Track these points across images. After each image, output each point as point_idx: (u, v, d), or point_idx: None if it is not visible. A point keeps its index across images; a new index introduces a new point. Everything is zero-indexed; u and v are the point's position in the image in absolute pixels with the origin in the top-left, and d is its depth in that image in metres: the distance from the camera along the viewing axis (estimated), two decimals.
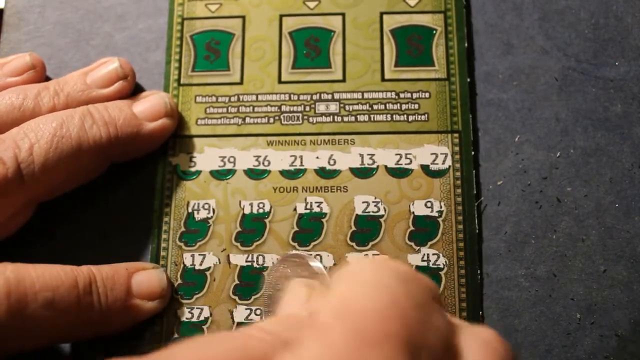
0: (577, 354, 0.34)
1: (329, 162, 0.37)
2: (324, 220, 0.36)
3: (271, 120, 0.38)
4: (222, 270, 0.35)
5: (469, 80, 0.38)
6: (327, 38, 0.39)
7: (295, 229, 0.36)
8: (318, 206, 0.36)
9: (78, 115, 0.34)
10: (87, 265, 0.33)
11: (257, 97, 0.38)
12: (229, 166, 0.37)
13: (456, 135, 0.37)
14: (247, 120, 0.38)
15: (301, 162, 0.37)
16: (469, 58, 0.38)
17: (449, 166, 0.36)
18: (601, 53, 0.38)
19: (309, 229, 0.36)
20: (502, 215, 0.36)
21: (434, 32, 0.39)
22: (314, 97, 0.38)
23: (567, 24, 0.39)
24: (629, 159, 0.36)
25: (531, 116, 0.37)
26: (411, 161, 0.36)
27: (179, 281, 0.35)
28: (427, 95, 0.37)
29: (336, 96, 0.38)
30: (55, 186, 0.35)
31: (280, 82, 0.38)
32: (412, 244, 0.35)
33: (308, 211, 0.36)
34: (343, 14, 0.39)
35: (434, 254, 0.35)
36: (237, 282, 0.35)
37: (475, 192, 0.36)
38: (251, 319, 0.34)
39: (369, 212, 0.36)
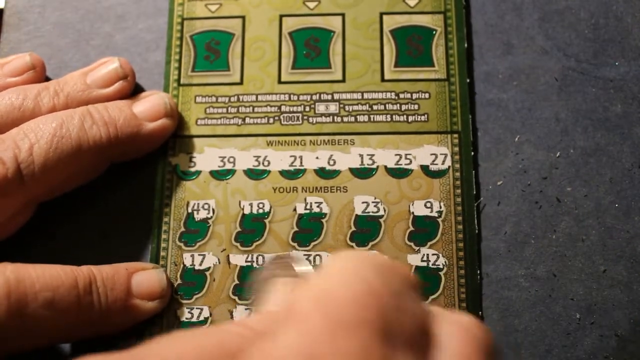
0: (577, 354, 0.34)
1: (328, 163, 0.37)
2: (323, 220, 0.36)
3: (271, 120, 0.38)
4: (222, 271, 0.35)
5: (468, 80, 0.38)
6: (327, 38, 0.39)
7: (295, 229, 0.36)
8: (318, 206, 0.36)
9: (78, 116, 0.34)
10: (87, 265, 0.33)
11: (257, 97, 0.38)
12: (228, 166, 0.37)
13: (456, 135, 0.37)
14: (247, 120, 0.38)
15: (301, 163, 0.37)
16: (468, 58, 0.38)
17: (449, 166, 0.36)
18: (601, 53, 0.38)
19: (308, 229, 0.36)
20: (502, 215, 0.36)
21: (434, 32, 0.39)
22: (314, 97, 0.38)
23: (567, 24, 0.39)
24: (629, 159, 0.36)
25: (531, 116, 0.37)
26: (411, 161, 0.36)
27: (179, 281, 0.35)
28: (426, 95, 0.37)
29: (336, 96, 0.38)
30: (55, 186, 0.35)
31: (280, 82, 0.38)
32: (412, 244, 0.35)
33: (308, 211, 0.36)
34: (343, 14, 0.39)
35: (433, 254, 0.35)
36: (236, 282, 0.35)
37: (474, 192, 0.36)
38: None
39: (368, 212, 0.36)
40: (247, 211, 0.36)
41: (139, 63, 0.39)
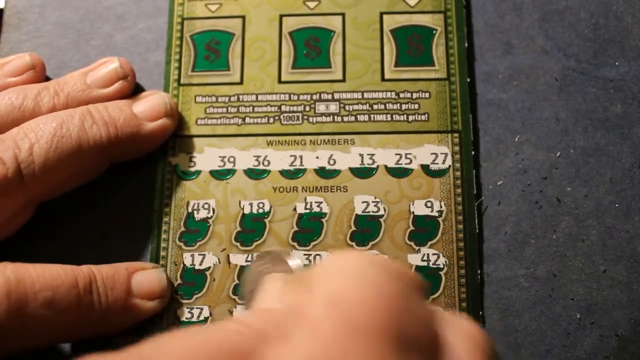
0: (577, 354, 0.34)
1: (328, 162, 0.37)
2: (323, 220, 0.36)
3: (271, 120, 0.38)
4: (222, 270, 0.35)
5: (469, 80, 0.38)
6: (327, 38, 0.39)
7: (295, 228, 0.36)
8: (318, 206, 0.36)
9: (78, 115, 0.34)
10: (87, 265, 0.33)
11: (257, 97, 0.38)
12: (228, 166, 0.37)
13: (456, 135, 0.37)
14: (247, 120, 0.38)
15: (301, 162, 0.37)
16: (469, 58, 0.38)
17: (449, 166, 0.36)
18: (601, 53, 0.38)
19: (308, 228, 0.36)
20: (502, 215, 0.36)
21: (434, 32, 0.39)
22: (314, 97, 0.38)
23: (567, 24, 0.39)
24: (629, 159, 0.36)
25: (531, 116, 0.37)
26: (411, 161, 0.36)
27: (179, 281, 0.35)
28: (427, 95, 0.37)
29: (336, 96, 0.38)
30: (55, 186, 0.35)
31: (280, 82, 0.38)
32: (412, 243, 0.35)
33: (308, 211, 0.36)
34: (343, 14, 0.39)
35: (434, 254, 0.35)
36: (237, 282, 0.35)
37: (475, 192, 0.36)
38: None
39: (368, 212, 0.36)
40: (247, 211, 0.36)
41: (139, 63, 0.39)
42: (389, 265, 0.23)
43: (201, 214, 0.36)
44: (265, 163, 0.37)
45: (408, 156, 0.36)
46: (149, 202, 0.37)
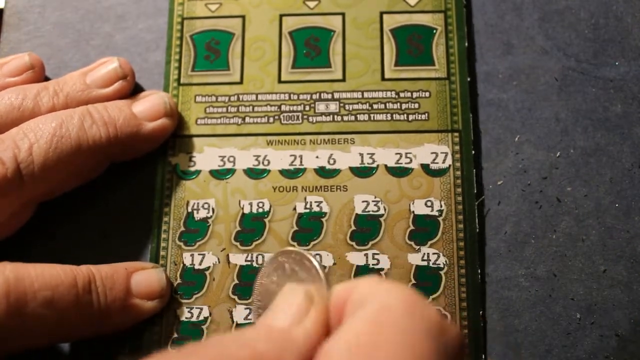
0: (577, 354, 0.34)
1: (328, 162, 0.37)
2: (323, 219, 0.36)
3: (271, 119, 0.38)
4: (222, 270, 0.35)
5: (469, 79, 0.38)
6: (327, 38, 0.39)
7: (295, 228, 0.36)
8: (318, 205, 0.36)
9: (77, 115, 0.34)
10: (86, 265, 0.33)
11: (257, 97, 0.38)
12: (228, 166, 0.37)
13: (456, 134, 0.37)
14: (247, 119, 0.38)
15: (301, 162, 0.37)
16: (469, 58, 0.38)
17: (449, 165, 0.36)
18: (601, 53, 0.38)
19: (308, 228, 0.36)
20: (502, 215, 0.36)
21: (434, 31, 0.39)
22: (314, 96, 0.38)
23: (567, 24, 0.39)
24: (629, 159, 0.36)
25: (531, 116, 0.37)
26: (411, 160, 0.36)
27: (179, 281, 0.35)
28: (427, 94, 0.37)
29: (336, 96, 0.38)
30: (55, 186, 0.35)
31: (280, 81, 0.38)
32: (412, 243, 0.35)
33: (308, 210, 0.36)
34: (343, 14, 0.39)
35: (434, 254, 0.35)
36: (236, 281, 0.35)
37: (475, 191, 0.36)
38: (250, 319, 0.34)
39: (368, 211, 0.36)
40: (247, 210, 0.36)
41: (139, 63, 0.39)
42: (430, 317, 0.22)
43: (201, 214, 0.36)
44: (265, 163, 0.37)
45: (408, 155, 0.36)
46: (148, 202, 0.37)
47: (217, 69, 0.39)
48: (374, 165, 0.36)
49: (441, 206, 0.36)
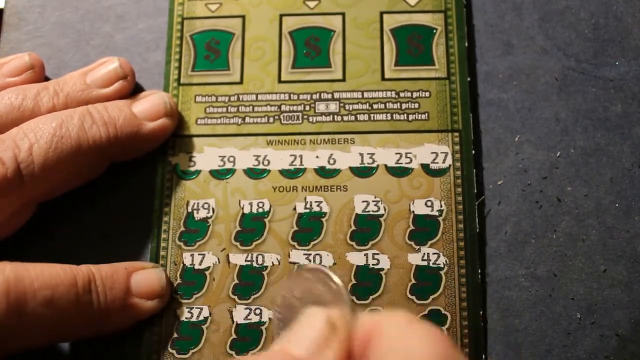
0: (577, 354, 0.34)
1: (328, 162, 0.37)
2: (323, 219, 0.36)
3: (271, 119, 0.38)
4: (222, 270, 0.35)
5: (469, 79, 0.38)
6: (327, 38, 0.39)
7: (295, 228, 0.36)
8: (318, 205, 0.36)
9: (77, 115, 0.34)
10: (86, 264, 0.33)
11: (257, 97, 0.38)
12: (228, 166, 0.37)
13: (456, 134, 0.37)
14: (247, 119, 0.38)
15: (301, 162, 0.37)
16: (469, 57, 0.38)
17: (449, 165, 0.36)
18: (601, 53, 0.38)
19: (308, 228, 0.36)
20: (503, 215, 0.36)
21: (434, 31, 0.39)
22: (314, 96, 0.38)
23: (567, 24, 0.39)
24: (629, 159, 0.36)
25: (531, 116, 0.37)
26: (411, 160, 0.36)
27: (179, 281, 0.35)
28: (427, 94, 0.37)
29: (336, 95, 0.38)
30: (55, 186, 0.35)
31: (280, 81, 0.38)
32: (412, 243, 0.35)
33: (308, 210, 0.36)
34: (343, 14, 0.39)
35: (434, 254, 0.35)
36: (236, 281, 0.35)
37: (476, 191, 0.36)
38: (250, 319, 0.34)
39: (368, 211, 0.36)
40: (246, 210, 0.36)
41: (139, 63, 0.39)
42: None
43: (201, 214, 0.36)
44: (265, 162, 0.37)
45: (408, 155, 0.36)
46: (148, 202, 0.37)
47: (217, 69, 0.39)
48: (374, 165, 0.36)
49: (441, 206, 0.36)
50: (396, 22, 0.39)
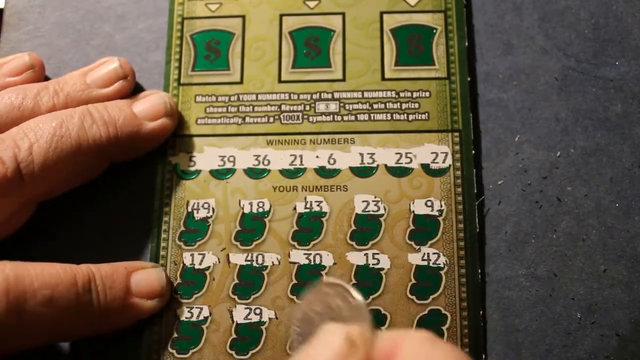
0: (577, 354, 0.34)
1: (328, 162, 0.37)
2: (323, 219, 0.36)
3: (271, 119, 0.38)
4: (222, 270, 0.35)
5: (469, 79, 0.38)
6: (327, 37, 0.39)
7: (295, 228, 0.36)
8: (318, 205, 0.36)
9: (78, 115, 0.34)
10: (86, 263, 0.33)
11: (257, 97, 0.38)
12: (228, 165, 0.37)
13: (456, 134, 0.37)
14: (247, 119, 0.38)
15: (301, 162, 0.37)
16: (469, 57, 0.38)
17: (449, 165, 0.36)
18: (601, 53, 0.38)
19: (308, 228, 0.36)
20: (503, 215, 0.36)
21: (434, 31, 0.39)
22: (314, 96, 0.38)
23: (567, 24, 0.39)
24: (629, 159, 0.36)
25: (531, 116, 0.37)
26: (411, 160, 0.36)
27: (179, 280, 0.35)
28: (427, 94, 0.37)
29: (336, 95, 0.38)
30: (55, 186, 0.35)
31: (280, 81, 0.38)
32: (412, 243, 0.35)
33: (308, 210, 0.36)
34: (343, 14, 0.39)
35: (434, 253, 0.35)
36: (236, 281, 0.35)
37: (476, 191, 0.36)
38: (250, 319, 0.34)
39: (369, 211, 0.36)
40: (247, 210, 0.36)
41: (139, 63, 0.39)
42: None
43: (201, 214, 0.36)
44: (265, 162, 0.37)
45: (408, 155, 0.36)
46: (148, 202, 0.37)
47: (217, 68, 0.39)
48: (374, 165, 0.36)
49: (441, 206, 0.36)
50: (396, 22, 0.39)
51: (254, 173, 0.37)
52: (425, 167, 0.36)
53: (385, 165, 0.36)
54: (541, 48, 0.38)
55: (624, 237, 0.35)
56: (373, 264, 0.35)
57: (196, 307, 0.35)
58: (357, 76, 0.38)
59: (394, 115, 0.37)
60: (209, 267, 0.35)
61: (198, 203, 0.36)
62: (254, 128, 0.37)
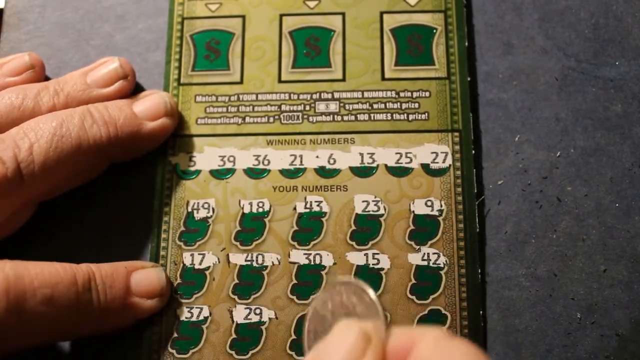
0: (577, 354, 0.34)
1: (328, 162, 0.37)
2: (323, 219, 0.36)
3: (271, 119, 0.38)
4: (222, 270, 0.35)
5: (469, 79, 0.38)
6: (327, 37, 0.39)
7: (295, 228, 0.36)
8: (318, 205, 0.36)
9: (78, 115, 0.34)
10: (86, 263, 0.33)
11: (257, 97, 0.38)
12: (228, 165, 0.37)
13: (456, 134, 0.37)
14: (247, 119, 0.38)
15: (301, 162, 0.37)
16: (469, 57, 0.38)
17: (449, 165, 0.36)
18: (601, 53, 0.38)
19: (308, 228, 0.36)
20: (503, 215, 0.36)
21: (434, 31, 0.39)
22: (314, 96, 0.38)
23: (567, 24, 0.39)
24: (629, 159, 0.36)
25: (531, 116, 0.37)
26: (411, 160, 0.36)
27: (179, 280, 0.35)
28: (427, 94, 0.37)
29: (336, 95, 0.38)
30: (55, 186, 0.35)
31: (280, 81, 0.38)
32: (412, 243, 0.35)
33: (308, 210, 0.36)
34: (343, 14, 0.39)
35: (434, 253, 0.35)
36: (236, 281, 0.35)
37: (476, 191, 0.36)
38: (250, 319, 0.34)
39: (369, 211, 0.36)
40: (247, 210, 0.36)
41: (139, 63, 0.39)
42: None
43: (201, 214, 0.36)
44: (265, 162, 0.37)
45: (408, 155, 0.36)
46: (148, 202, 0.37)
47: (217, 68, 0.39)
48: (374, 165, 0.36)
49: (441, 206, 0.36)
50: (396, 22, 0.39)
51: (254, 173, 0.37)
52: (425, 167, 0.36)
53: (385, 165, 0.36)
54: (541, 48, 0.38)
55: (624, 237, 0.35)
56: (373, 264, 0.35)
57: (196, 307, 0.35)
58: (357, 76, 0.38)
59: (394, 115, 0.37)
60: (209, 267, 0.35)
61: (198, 203, 0.36)
62: (254, 128, 0.37)
